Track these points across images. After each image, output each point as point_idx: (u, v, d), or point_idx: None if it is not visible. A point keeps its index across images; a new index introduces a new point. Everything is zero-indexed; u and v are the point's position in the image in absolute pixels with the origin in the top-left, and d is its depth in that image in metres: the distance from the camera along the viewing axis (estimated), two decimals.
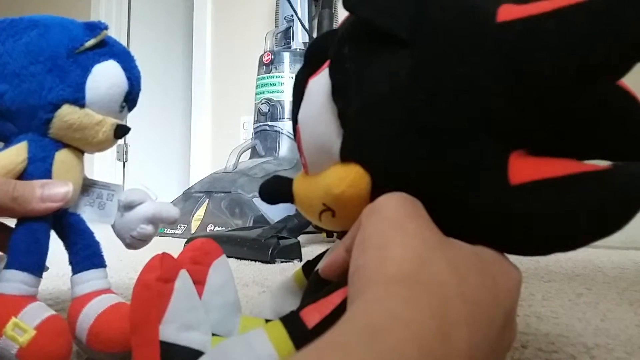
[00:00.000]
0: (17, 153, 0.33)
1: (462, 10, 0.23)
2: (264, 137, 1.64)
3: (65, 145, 0.35)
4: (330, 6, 1.53)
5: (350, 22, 0.27)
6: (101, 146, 0.37)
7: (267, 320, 0.27)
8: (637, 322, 0.44)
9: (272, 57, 1.66)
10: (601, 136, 0.26)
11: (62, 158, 0.35)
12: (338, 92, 0.26)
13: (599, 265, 0.81)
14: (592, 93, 0.22)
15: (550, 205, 0.21)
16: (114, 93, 0.36)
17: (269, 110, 1.63)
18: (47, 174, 0.33)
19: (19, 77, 0.33)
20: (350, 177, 0.25)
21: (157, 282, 0.23)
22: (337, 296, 0.23)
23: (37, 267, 0.32)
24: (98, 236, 0.37)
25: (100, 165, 2.32)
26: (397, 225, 0.21)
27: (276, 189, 0.34)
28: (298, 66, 1.66)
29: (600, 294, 0.57)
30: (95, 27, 0.36)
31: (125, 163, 2.49)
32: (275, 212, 1.25)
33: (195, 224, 1.41)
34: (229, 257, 0.91)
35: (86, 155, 0.38)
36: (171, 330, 0.22)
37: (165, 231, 1.46)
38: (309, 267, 0.32)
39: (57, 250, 0.35)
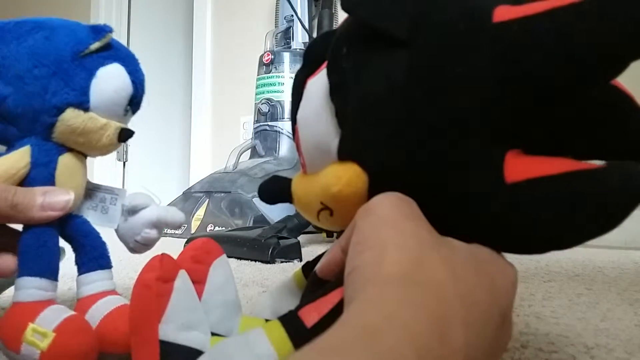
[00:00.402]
0: (20, 158, 0.32)
1: (458, 11, 0.23)
2: (264, 137, 1.64)
3: (69, 150, 0.35)
4: (330, 6, 1.53)
5: (348, 22, 0.28)
6: (105, 150, 0.37)
7: (267, 320, 0.27)
8: (637, 322, 0.44)
9: (272, 57, 1.66)
10: (596, 136, 0.26)
11: (66, 162, 0.34)
12: (336, 92, 0.27)
13: (599, 265, 0.81)
14: (588, 93, 0.22)
15: (546, 202, 0.21)
16: (118, 97, 0.36)
17: (269, 110, 1.63)
18: (50, 179, 0.33)
19: (22, 80, 0.32)
20: (347, 176, 0.26)
21: (156, 281, 0.23)
22: (336, 295, 0.23)
23: (49, 270, 0.31)
24: None
25: (100, 166, 2.32)
26: (392, 225, 0.21)
27: (275, 189, 0.35)
28: (298, 66, 1.65)
29: (600, 294, 0.57)
30: (101, 30, 0.35)
31: (125, 163, 2.49)
32: (275, 212, 1.25)
33: (195, 224, 1.41)
34: (229, 257, 0.90)
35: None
36: (170, 330, 0.22)
37: (165, 231, 1.46)
38: (309, 267, 0.32)
39: None
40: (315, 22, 1.64)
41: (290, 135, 1.60)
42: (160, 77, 2.51)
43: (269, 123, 1.63)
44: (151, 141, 2.52)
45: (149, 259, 0.24)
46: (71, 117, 0.33)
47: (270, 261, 0.84)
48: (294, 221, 0.99)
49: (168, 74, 2.59)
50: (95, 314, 0.32)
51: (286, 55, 1.65)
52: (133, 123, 0.40)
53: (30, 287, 0.30)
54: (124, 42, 2.54)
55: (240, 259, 0.88)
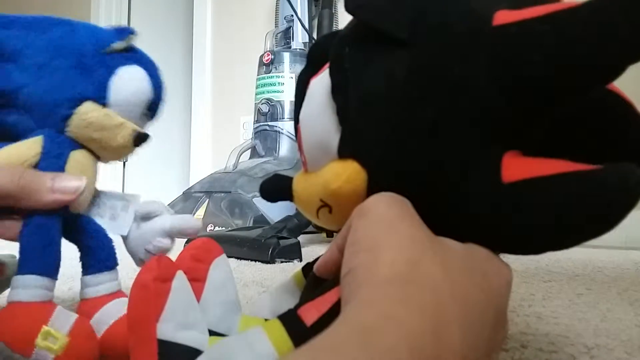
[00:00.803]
0: (30, 146, 0.32)
1: (459, 13, 0.24)
2: (264, 137, 1.64)
3: (82, 147, 0.34)
4: (330, 6, 1.53)
5: (352, 23, 0.28)
6: (119, 152, 0.36)
7: (266, 320, 0.27)
8: (637, 322, 0.44)
9: (272, 57, 1.66)
10: (593, 138, 0.26)
11: (78, 158, 0.33)
12: (337, 91, 0.27)
13: (599, 265, 0.81)
14: (585, 95, 0.22)
15: (543, 203, 0.21)
16: (137, 98, 0.35)
17: (269, 110, 1.63)
18: (60, 171, 0.32)
19: (41, 70, 0.32)
20: (347, 173, 0.26)
21: (154, 281, 0.23)
22: (334, 294, 0.23)
23: (54, 269, 0.30)
24: None
25: (101, 166, 2.31)
26: (387, 226, 0.21)
27: (276, 187, 0.35)
28: (298, 66, 1.67)
29: (600, 294, 0.57)
30: (124, 31, 0.35)
31: (125, 163, 2.49)
32: (275, 212, 1.25)
33: None
34: (229, 257, 0.90)
35: None
36: (168, 329, 0.22)
37: None
38: (309, 268, 0.32)
39: None
40: (315, 22, 1.64)
41: (290, 135, 1.60)
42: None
43: (269, 123, 1.63)
44: (151, 141, 2.52)
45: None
46: (88, 110, 0.33)
47: (270, 261, 0.83)
48: (294, 221, 0.99)
49: (168, 74, 2.56)
50: (104, 318, 0.32)
51: (286, 55, 1.65)
52: None
53: (34, 286, 0.29)
54: None
55: (240, 259, 0.88)
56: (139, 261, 0.36)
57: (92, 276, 0.34)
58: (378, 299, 0.18)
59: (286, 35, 1.71)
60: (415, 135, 0.24)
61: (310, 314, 0.23)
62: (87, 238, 0.34)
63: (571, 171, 0.21)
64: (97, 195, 0.36)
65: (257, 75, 1.71)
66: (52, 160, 0.32)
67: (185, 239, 0.96)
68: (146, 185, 2.49)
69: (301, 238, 0.98)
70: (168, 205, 1.26)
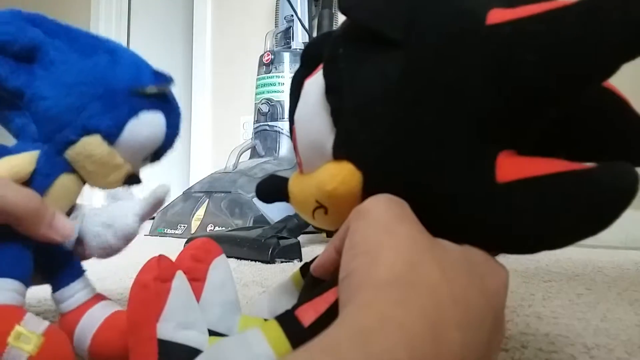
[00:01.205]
0: (30, 162, 0.31)
1: (453, 13, 0.24)
2: (264, 137, 1.64)
3: (73, 172, 0.34)
4: (330, 6, 1.53)
5: (346, 24, 0.28)
6: (106, 186, 0.36)
7: (265, 320, 0.27)
8: (637, 322, 0.44)
9: (272, 57, 1.66)
10: (589, 137, 0.26)
11: (64, 183, 0.33)
12: (331, 92, 0.27)
13: (599, 265, 0.81)
14: (581, 94, 0.22)
15: (537, 202, 0.21)
16: (147, 144, 0.35)
17: (269, 110, 1.63)
18: (42, 191, 0.31)
19: (67, 89, 0.32)
20: (342, 175, 0.26)
21: (154, 281, 0.23)
22: (332, 294, 0.23)
23: (27, 276, 0.30)
24: None
25: None
26: (385, 229, 0.21)
27: (272, 188, 0.35)
28: (298, 66, 1.67)
29: (600, 294, 0.57)
30: (162, 78, 0.35)
31: None
32: (275, 212, 1.25)
33: (195, 224, 1.41)
34: (229, 257, 0.91)
35: None
36: (168, 329, 0.22)
37: (165, 231, 1.46)
38: (307, 268, 0.32)
39: None
40: (315, 22, 1.64)
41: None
42: None
43: (269, 123, 1.63)
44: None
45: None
46: (94, 143, 0.32)
47: (270, 261, 0.83)
48: (294, 221, 0.99)
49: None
50: (88, 326, 0.31)
51: (286, 55, 1.65)
52: None
53: (7, 289, 0.28)
54: (124, 42, 2.54)
55: (240, 259, 0.88)
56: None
57: (64, 290, 0.33)
58: (376, 301, 0.18)
59: (286, 35, 1.71)
60: (409, 136, 0.24)
61: (307, 314, 0.23)
62: (45, 254, 0.33)
63: (565, 170, 0.21)
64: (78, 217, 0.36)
65: (257, 75, 1.71)
66: (40, 178, 0.31)
67: (185, 239, 0.96)
68: (146, 185, 2.49)
69: (301, 238, 0.98)
70: (168, 205, 1.25)
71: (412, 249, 0.20)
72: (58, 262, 0.34)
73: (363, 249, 0.21)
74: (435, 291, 0.19)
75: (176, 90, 0.38)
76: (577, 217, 0.21)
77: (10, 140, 0.33)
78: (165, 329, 0.22)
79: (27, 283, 0.30)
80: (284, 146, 1.61)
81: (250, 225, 1.23)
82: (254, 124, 1.70)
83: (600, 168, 0.21)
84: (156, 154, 0.38)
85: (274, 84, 1.65)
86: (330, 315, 0.22)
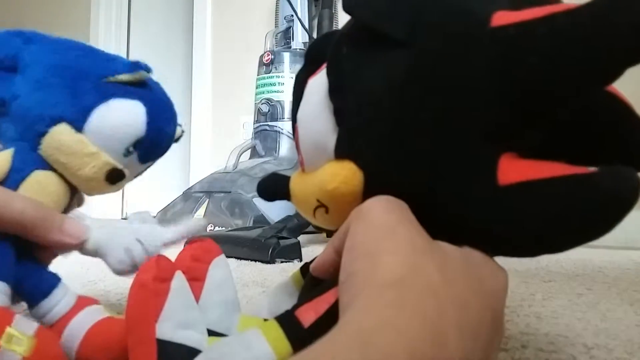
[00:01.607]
0: (6, 160, 0.31)
1: (457, 14, 0.24)
2: (264, 137, 1.64)
3: (52, 170, 0.33)
4: (330, 6, 1.53)
5: (350, 23, 0.28)
6: (89, 184, 0.34)
7: (265, 320, 0.27)
8: (637, 322, 0.44)
9: (272, 57, 1.66)
10: (591, 141, 0.26)
11: (40, 179, 0.32)
12: (334, 91, 0.27)
13: (599, 265, 0.81)
14: (583, 97, 0.22)
15: (539, 205, 0.21)
16: (120, 132, 0.34)
17: (269, 110, 1.63)
18: (14, 186, 0.31)
19: (36, 84, 0.32)
20: (343, 174, 0.26)
21: (153, 281, 0.23)
22: (332, 294, 0.23)
23: (10, 275, 0.29)
24: None
25: None
26: (385, 231, 0.21)
27: (273, 186, 0.35)
28: (298, 66, 1.67)
29: (600, 294, 0.57)
30: (137, 65, 0.35)
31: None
32: (275, 212, 1.25)
33: None
34: (229, 257, 0.91)
35: None
36: (167, 328, 0.22)
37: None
38: (308, 268, 0.32)
39: None
40: (315, 22, 1.64)
41: (290, 135, 1.60)
42: (160, 77, 2.51)
43: (269, 123, 1.63)
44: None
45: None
46: (62, 131, 0.32)
47: (270, 261, 0.83)
48: (294, 221, 0.99)
49: (168, 74, 2.58)
50: (75, 332, 0.30)
51: (286, 55, 1.65)
52: None
53: None
54: (124, 42, 2.54)
55: (240, 259, 0.88)
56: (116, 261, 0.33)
57: (44, 302, 0.31)
58: (377, 304, 0.18)
59: (286, 35, 1.71)
60: (412, 136, 0.24)
61: (307, 315, 0.23)
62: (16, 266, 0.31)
63: (567, 174, 0.21)
64: None
65: (257, 75, 1.71)
66: (12, 174, 0.31)
67: (186, 240, 0.96)
68: (146, 186, 2.49)
69: (301, 238, 0.98)
70: (168, 205, 1.25)
71: (411, 252, 0.20)
72: (27, 275, 0.31)
73: (363, 252, 0.21)
74: (434, 293, 0.19)
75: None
76: (578, 221, 0.21)
77: None
78: (164, 328, 0.22)
79: (10, 283, 0.29)
80: (284, 146, 1.61)
81: (250, 225, 1.23)
82: (254, 124, 1.70)
83: (602, 172, 0.21)
84: (141, 147, 0.36)
85: (274, 84, 1.64)
86: (330, 315, 0.22)
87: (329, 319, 0.22)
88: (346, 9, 0.26)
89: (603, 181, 0.21)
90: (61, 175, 0.34)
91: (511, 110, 0.22)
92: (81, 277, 0.65)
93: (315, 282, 0.27)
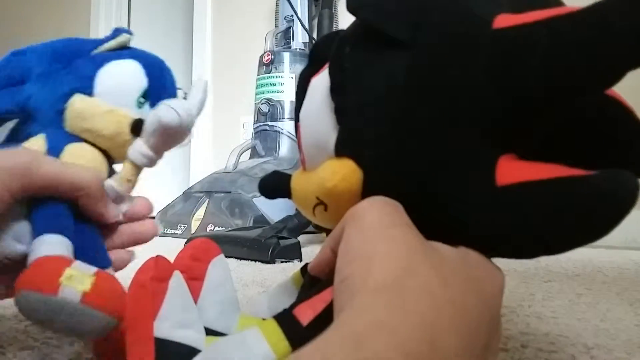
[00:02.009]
0: (40, 145, 0.34)
1: (460, 16, 0.24)
2: (264, 137, 1.64)
3: (83, 141, 0.36)
4: (330, 6, 1.53)
5: (354, 24, 0.28)
6: (117, 143, 0.36)
7: (264, 320, 0.28)
8: (637, 322, 0.44)
9: (272, 57, 1.66)
10: (591, 144, 0.26)
11: (73, 151, 0.35)
12: (336, 90, 0.27)
13: (599, 265, 0.81)
14: (583, 100, 0.22)
15: (536, 206, 0.21)
16: (125, 88, 0.37)
17: (269, 110, 1.63)
18: None
19: (41, 77, 0.36)
20: (343, 172, 0.26)
21: (151, 281, 0.23)
22: (330, 293, 0.23)
23: (71, 232, 0.30)
24: None
25: None
26: (380, 234, 0.21)
27: (275, 184, 0.35)
28: (298, 66, 1.67)
29: (600, 294, 0.57)
30: (118, 31, 0.38)
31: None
32: (275, 212, 1.25)
33: (195, 224, 1.41)
34: (229, 257, 0.91)
35: None
36: (165, 327, 0.22)
37: (166, 231, 1.46)
38: (307, 268, 0.32)
39: None
40: (315, 22, 1.64)
41: (291, 135, 1.60)
42: None
43: (269, 123, 1.63)
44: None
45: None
46: (77, 101, 0.35)
47: (270, 261, 0.83)
48: (294, 221, 0.99)
49: None
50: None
51: (286, 55, 1.65)
52: None
53: (56, 243, 0.29)
54: None
55: (240, 259, 0.88)
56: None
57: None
58: (370, 306, 0.18)
59: (286, 35, 1.71)
60: (412, 136, 0.24)
61: (306, 313, 0.23)
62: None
63: (566, 176, 0.21)
64: None
65: (257, 75, 1.71)
66: (50, 154, 0.33)
67: (185, 239, 0.96)
68: (146, 186, 2.49)
69: (301, 238, 0.98)
70: (168, 205, 1.25)
71: (407, 254, 0.20)
72: (86, 246, 0.33)
73: (357, 255, 0.21)
74: (431, 295, 0.19)
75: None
76: (575, 223, 0.21)
77: None
78: (162, 327, 0.22)
79: (72, 240, 0.30)
80: (284, 146, 1.61)
81: (250, 225, 1.23)
82: (254, 124, 1.70)
83: (600, 175, 0.21)
84: (150, 96, 0.38)
85: (274, 84, 1.64)
86: (328, 314, 0.22)
87: (328, 317, 0.22)
88: (350, 9, 0.26)
89: (601, 183, 0.21)
90: (93, 145, 0.36)
91: (511, 112, 0.22)
92: None
93: (313, 281, 0.27)
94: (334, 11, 1.55)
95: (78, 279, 0.26)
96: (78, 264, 0.27)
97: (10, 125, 0.37)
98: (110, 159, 0.38)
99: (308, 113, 0.30)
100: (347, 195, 0.26)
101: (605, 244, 1.08)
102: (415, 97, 0.24)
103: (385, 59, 0.25)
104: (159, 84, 0.39)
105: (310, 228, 1.05)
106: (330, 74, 0.28)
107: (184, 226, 1.43)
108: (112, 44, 0.38)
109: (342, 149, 0.27)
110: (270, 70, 1.66)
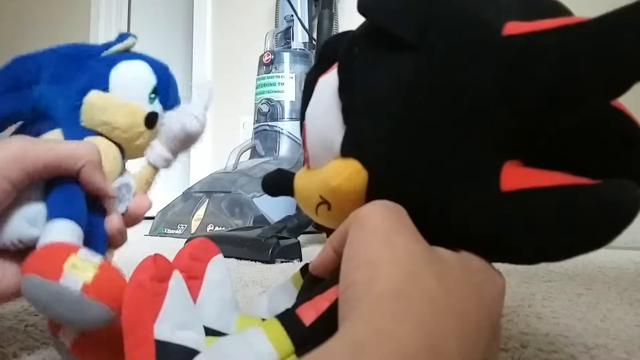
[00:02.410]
0: (58, 136, 0.36)
1: (470, 20, 0.24)
2: (264, 137, 1.64)
3: (99, 135, 0.38)
4: (330, 6, 1.53)
5: (363, 25, 0.29)
6: (132, 136, 0.39)
7: (263, 320, 0.27)
8: (637, 322, 0.44)
9: (272, 57, 1.66)
10: (594, 155, 0.26)
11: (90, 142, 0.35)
12: (344, 89, 0.27)
13: (599, 265, 0.81)
14: (589, 109, 0.22)
15: (539, 213, 0.21)
16: (139, 84, 0.39)
17: (269, 110, 1.63)
18: None
19: (55, 76, 0.37)
20: (348, 171, 0.26)
21: (151, 281, 0.22)
22: (333, 292, 0.23)
23: (81, 217, 0.30)
24: None
25: None
26: (384, 240, 0.21)
27: (278, 182, 0.35)
28: (298, 66, 1.67)
29: (600, 294, 0.57)
30: (125, 35, 0.41)
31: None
32: (275, 212, 1.25)
33: (195, 224, 1.41)
34: (229, 257, 0.91)
35: None
36: (166, 329, 0.22)
37: (165, 231, 1.46)
38: (307, 269, 0.32)
39: None
40: (315, 22, 1.64)
41: (290, 135, 1.60)
42: None
43: (269, 123, 1.63)
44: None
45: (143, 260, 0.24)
46: (94, 96, 0.37)
47: (270, 261, 0.83)
48: (294, 221, 0.99)
49: None
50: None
51: (286, 55, 1.65)
52: None
53: (64, 229, 0.29)
54: None
55: (240, 259, 0.88)
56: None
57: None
58: (373, 314, 0.18)
59: (286, 35, 1.71)
60: (418, 138, 0.24)
61: (309, 313, 0.23)
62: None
63: (569, 184, 0.21)
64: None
65: (257, 75, 1.71)
66: None
67: (185, 239, 0.96)
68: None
69: (301, 238, 0.98)
70: (168, 205, 1.26)
71: (410, 261, 0.20)
72: (96, 232, 0.34)
73: (361, 262, 0.21)
74: (432, 302, 0.19)
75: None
76: (577, 231, 0.21)
77: None
78: (162, 329, 0.22)
79: (82, 225, 0.30)
80: (284, 146, 1.61)
81: (250, 225, 1.23)
82: (254, 124, 1.70)
83: (604, 185, 0.21)
84: (160, 92, 0.41)
85: (274, 84, 1.65)
86: (332, 313, 0.22)
87: (330, 317, 0.22)
88: (361, 10, 0.26)
89: (604, 192, 0.21)
90: (108, 139, 0.38)
91: (517, 118, 0.22)
92: None
93: (314, 281, 0.27)
94: (334, 11, 1.55)
95: (82, 267, 0.26)
96: (84, 251, 0.27)
97: (12, 129, 0.38)
98: (123, 154, 0.40)
99: (315, 112, 0.31)
100: (351, 195, 0.26)
101: None
102: (421, 100, 0.24)
103: (394, 61, 0.25)
104: (166, 82, 0.42)
105: (310, 228, 1.05)
106: (339, 73, 0.28)
107: (184, 226, 1.43)
108: (120, 46, 0.40)
109: (347, 149, 0.27)
110: (270, 70, 1.66)
